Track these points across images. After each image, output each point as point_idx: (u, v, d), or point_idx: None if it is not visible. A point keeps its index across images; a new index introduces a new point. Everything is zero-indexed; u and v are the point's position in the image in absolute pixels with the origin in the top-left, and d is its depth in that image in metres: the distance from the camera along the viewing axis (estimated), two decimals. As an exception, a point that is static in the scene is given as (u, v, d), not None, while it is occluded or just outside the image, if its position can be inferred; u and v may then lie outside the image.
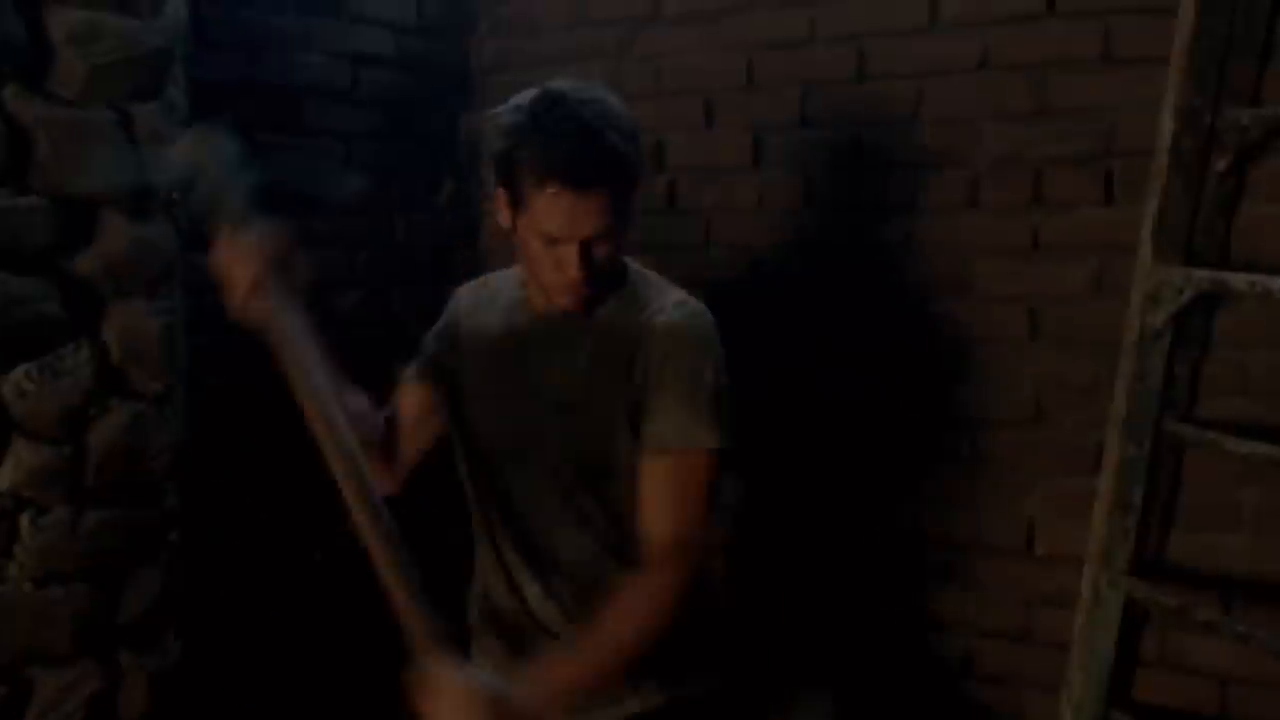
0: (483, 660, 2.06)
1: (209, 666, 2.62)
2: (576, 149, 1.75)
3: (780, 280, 2.86)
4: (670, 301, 1.94)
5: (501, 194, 1.85)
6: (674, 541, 1.84)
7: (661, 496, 1.87)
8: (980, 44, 2.54)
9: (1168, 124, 2.13)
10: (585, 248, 1.80)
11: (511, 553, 2.03)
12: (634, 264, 2.01)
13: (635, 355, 1.88)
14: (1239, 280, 2.03)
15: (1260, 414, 2.27)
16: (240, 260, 1.86)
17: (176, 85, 2.42)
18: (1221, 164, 2.19)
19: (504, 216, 1.87)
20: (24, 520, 2.22)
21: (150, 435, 2.37)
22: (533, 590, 2.00)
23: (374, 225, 3.18)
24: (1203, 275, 2.10)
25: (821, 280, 2.80)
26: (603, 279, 1.87)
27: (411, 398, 2.13)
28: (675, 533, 1.85)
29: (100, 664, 2.33)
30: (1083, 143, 2.45)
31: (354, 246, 3.12)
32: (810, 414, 2.82)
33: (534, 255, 1.85)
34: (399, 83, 3.20)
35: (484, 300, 2.08)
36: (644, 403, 1.87)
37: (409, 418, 2.12)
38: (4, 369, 2.17)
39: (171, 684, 2.44)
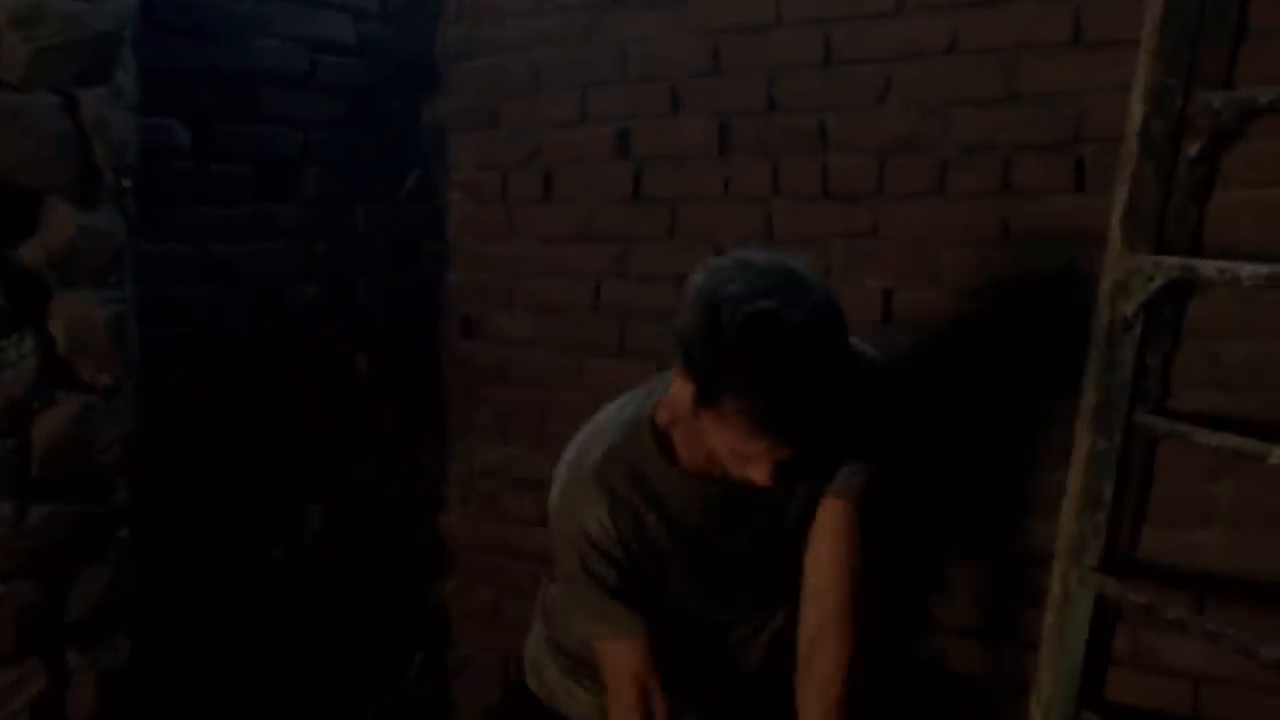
0: None
1: (161, 667, 2.57)
2: (795, 410, 1.61)
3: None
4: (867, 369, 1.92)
5: (688, 382, 1.67)
6: (851, 601, 1.90)
7: (836, 560, 1.91)
8: (949, 27, 2.49)
9: (1138, 107, 2.08)
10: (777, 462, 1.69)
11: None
12: None
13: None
14: (1208, 268, 1.98)
15: (1234, 406, 2.23)
16: None
17: (126, 70, 2.37)
18: (1193, 149, 2.14)
19: (683, 392, 1.69)
20: (-35, 516, 2.18)
21: (98, 428, 2.33)
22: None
23: (334, 215, 3.13)
24: (1172, 263, 2.05)
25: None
26: None
27: (642, 654, 1.91)
28: (852, 596, 1.90)
29: (46, 663, 2.30)
30: (1053, 128, 2.40)
31: (313, 237, 3.07)
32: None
33: (713, 443, 1.72)
34: (360, 69, 3.14)
35: (639, 504, 1.89)
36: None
37: (651, 669, 1.92)
38: (-55, 360, 2.14)
39: (121, 684, 2.41)
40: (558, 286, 3.14)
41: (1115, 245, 2.13)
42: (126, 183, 2.36)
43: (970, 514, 2.57)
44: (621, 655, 1.91)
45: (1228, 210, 2.19)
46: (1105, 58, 2.32)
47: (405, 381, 3.33)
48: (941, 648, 2.62)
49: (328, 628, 3.12)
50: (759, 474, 1.69)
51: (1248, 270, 1.89)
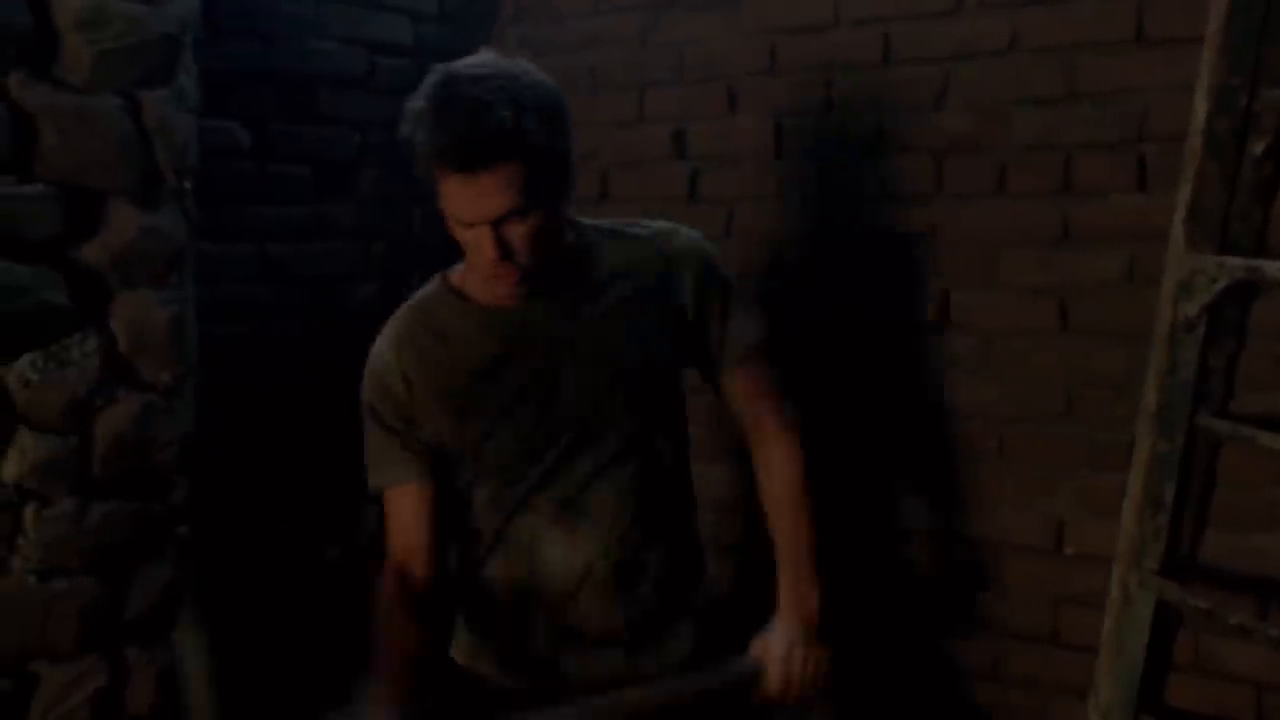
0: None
1: (218, 664, 2.59)
2: (461, 129, 1.71)
3: (804, 271, 2.80)
4: (661, 228, 2.05)
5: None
6: (794, 418, 2.09)
7: (769, 386, 2.07)
8: (1009, 25, 2.48)
9: (1201, 106, 2.05)
10: (497, 230, 1.77)
11: (550, 544, 1.98)
12: (582, 220, 2.02)
13: (670, 283, 1.99)
14: (1273, 268, 1.94)
15: (1299, 409, 2.20)
16: None
17: (187, 72, 2.40)
18: (1259, 147, 2.09)
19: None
20: (29, 512, 2.21)
21: (158, 427, 2.35)
22: (579, 555, 1.97)
23: (391, 216, 3.15)
24: (1236, 263, 2.02)
25: (845, 270, 2.74)
26: (534, 262, 1.83)
27: (418, 497, 1.98)
28: (793, 410, 2.09)
29: (106, 659, 2.33)
30: (1114, 127, 2.38)
31: (370, 237, 3.09)
32: (832, 408, 2.77)
33: (458, 239, 1.84)
34: (417, 71, 3.10)
35: (426, 336, 1.97)
36: (704, 320, 2.01)
37: (423, 517, 1.98)
38: (9, 359, 2.17)
39: (179, 681, 2.42)
40: (612, 287, 3.14)
41: (1178, 245, 2.10)
42: (187, 184, 2.39)
43: (1025, 516, 2.55)
44: (396, 503, 1.99)
45: (1294, 209, 2.16)
46: (1168, 55, 2.30)
47: (460, 381, 3.34)
48: (999, 651, 2.60)
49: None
50: (487, 249, 1.78)
51: (1314, 271, 1.86)
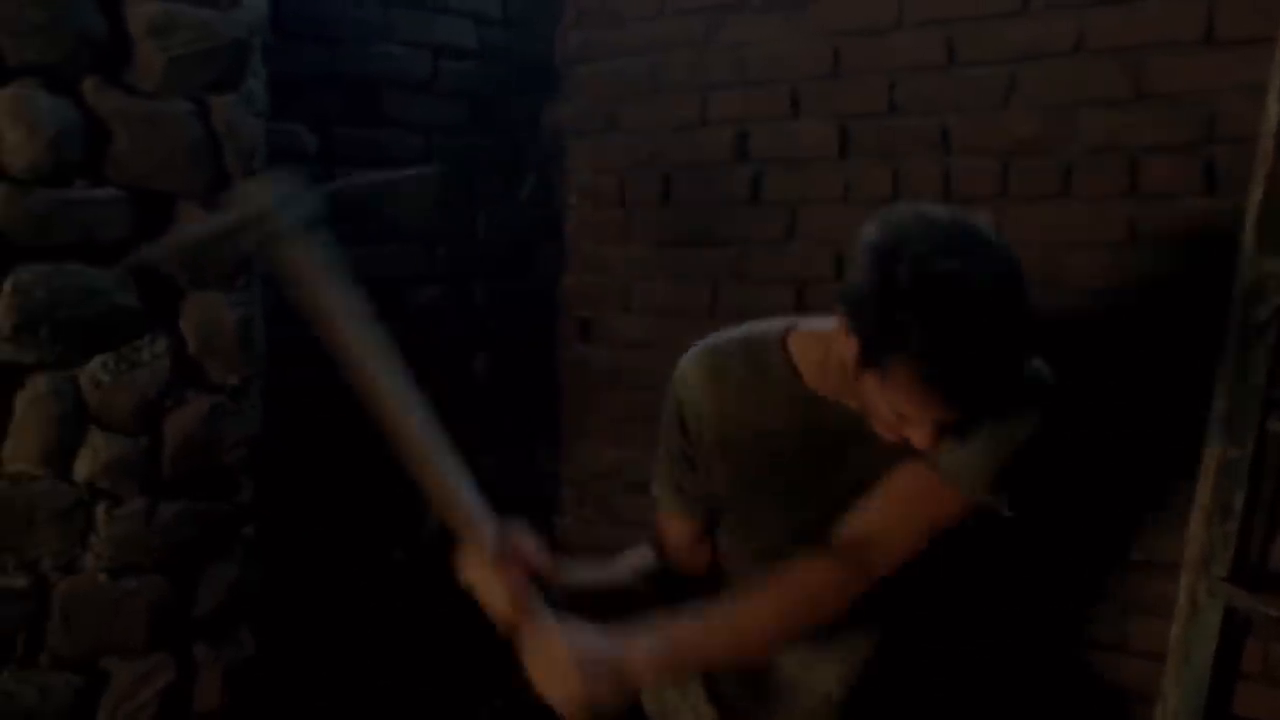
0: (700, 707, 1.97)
1: (283, 661, 2.62)
2: (973, 375, 1.51)
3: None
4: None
5: (853, 338, 1.56)
6: (865, 543, 1.71)
7: (884, 500, 1.72)
8: (1075, 26, 2.45)
9: (1273, 108, 2.03)
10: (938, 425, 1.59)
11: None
12: None
13: None
14: (1346, 271, 1.93)
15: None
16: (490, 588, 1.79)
17: (255, 77, 2.43)
18: (1330, 150, 2.08)
19: (845, 346, 1.59)
20: (100, 511, 2.26)
21: (226, 427, 2.39)
22: None
23: (454, 219, 3.17)
24: (1309, 266, 2.00)
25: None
26: None
27: (681, 529, 1.94)
28: (871, 536, 1.71)
29: (175, 656, 2.37)
30: (1182, 129, 2.35)
31: (434, 240, 3.11)
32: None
33: (872, 404, 1.61)
34: (481, 74, 3.18)
35: (739, 383, 1.82)
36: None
37: (684, 545, 1.95)
38: (81, 360, 2.21)
39: (245, 678, 2.45)
40: (675, 290, 3.14)
41: (1248, 249, 2.08)
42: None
43: (1099, 523, 2.52)
44: (665, 523, 1.95)
45: (1365, 212, 2.13)
46: (1238, 56, 2.26)
47: (522, 383, 3.35)
48: (1076, 659, 2.58)
49: (443, 627, 3.14)
50: (919, 438, 1.58)
51: (1387, 274, 1.84)
